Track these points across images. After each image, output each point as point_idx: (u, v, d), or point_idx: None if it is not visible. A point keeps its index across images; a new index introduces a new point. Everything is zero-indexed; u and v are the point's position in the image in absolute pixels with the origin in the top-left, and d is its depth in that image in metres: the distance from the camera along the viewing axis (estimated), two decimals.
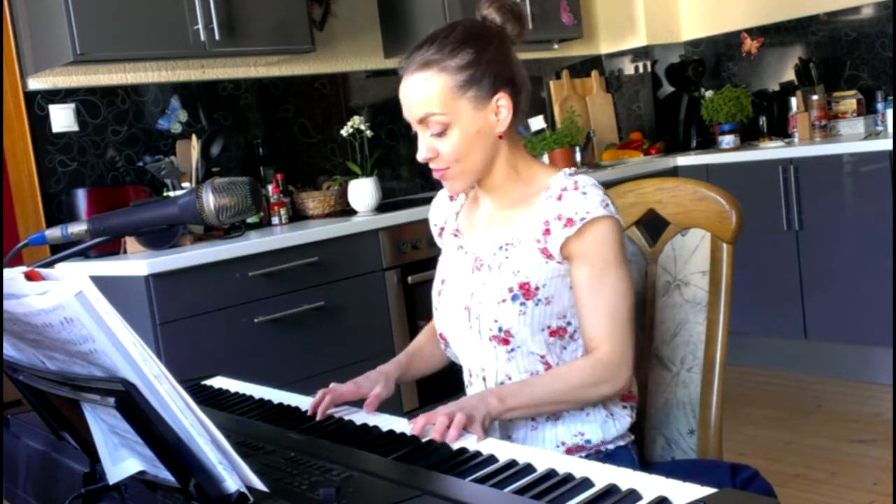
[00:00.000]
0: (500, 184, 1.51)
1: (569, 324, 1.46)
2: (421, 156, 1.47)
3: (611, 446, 1.49)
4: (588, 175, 1.48)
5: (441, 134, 1.43)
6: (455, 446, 1.18)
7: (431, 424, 1.25)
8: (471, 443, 1.19)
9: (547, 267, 1.43)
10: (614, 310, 1.41)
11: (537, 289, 1.43)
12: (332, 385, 1.47)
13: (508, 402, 1.35)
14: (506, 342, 1.45)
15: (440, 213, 1.69)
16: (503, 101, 1.44)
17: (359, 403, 1.47)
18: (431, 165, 1.47)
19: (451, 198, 1.66)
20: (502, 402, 1.35)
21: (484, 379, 1.51)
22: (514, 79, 1.46)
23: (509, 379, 1.48)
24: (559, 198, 1.43)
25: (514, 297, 1.43)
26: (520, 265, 1.45)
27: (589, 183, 1.44)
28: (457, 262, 1.56)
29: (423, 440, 1.22)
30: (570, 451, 1.47)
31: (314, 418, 1.40)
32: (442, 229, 1.68)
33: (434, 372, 1.69)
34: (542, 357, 1.46)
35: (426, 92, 1.42)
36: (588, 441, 1.47)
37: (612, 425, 1.48)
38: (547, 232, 1.43)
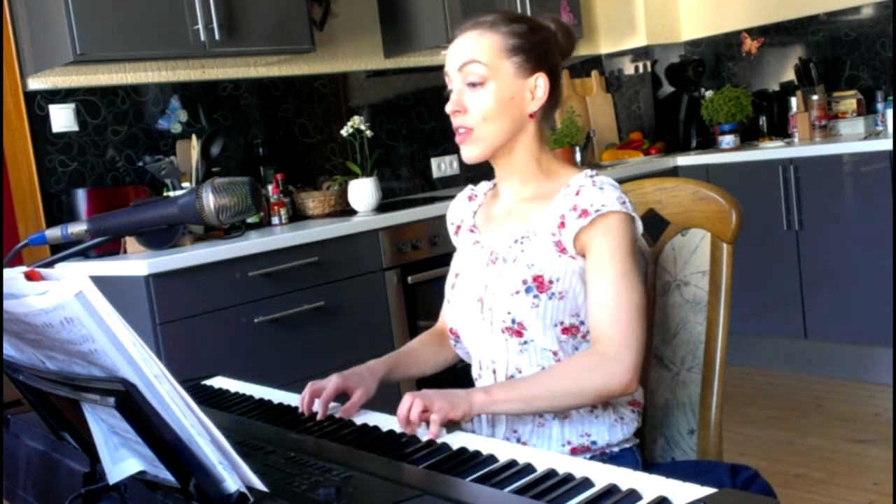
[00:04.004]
0: (521, 171, 1.52)
1: (582, 323, 1.44)
2: (450, 107, 1.49)
3: (616, 448, 1.48)
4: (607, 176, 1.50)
5: (477, 86, 1.46)
6: (455, 446, 1.18)
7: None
8: (471, 442, 1.19)
9: (560, 261, 1.43)
10: (620, 304, 1.38)
11: (551, 282, 1.42)
12: (312, 383, 1.44)
13: (495, 394, 1.34)
14: (519, 334, 1.44)
15: (458, 212, 1.68)
16: (542, 82, 1.48)
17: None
18: (455, 122, 1.49)
19: (471, 198, 1.67)
20: (488, 394, 1.33)
21: (494, 371, 1.50)
22: (555, 71, 1.51)
23: (520, 373, 1.47)
24: (577, 193, 1.44)
25: (528, 290, 1.43)
26: (534, 258, 1.45)
27: (607, 182, 1.46)
28: (472, 256, 1.57)
29: (425, 440, 1.23)
30: (574, 451, 1.46)
31: (314, 418, 1.40)
32: (458, 227, 1.67)
33: (424, 375, 1.66)
34: (555, 354, 1.44)
35: (476, 43, 1.47)
36: (594, 443, 1.46)
37: (619, 429, 1.47)
38: (562, 225, 1.43)
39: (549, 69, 1.49)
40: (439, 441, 1.21)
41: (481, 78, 1.45)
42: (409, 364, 1.63)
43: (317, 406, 1.42)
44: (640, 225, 1.47)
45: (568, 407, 1.42)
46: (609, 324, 1.38)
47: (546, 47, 1.50)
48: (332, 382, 1.45)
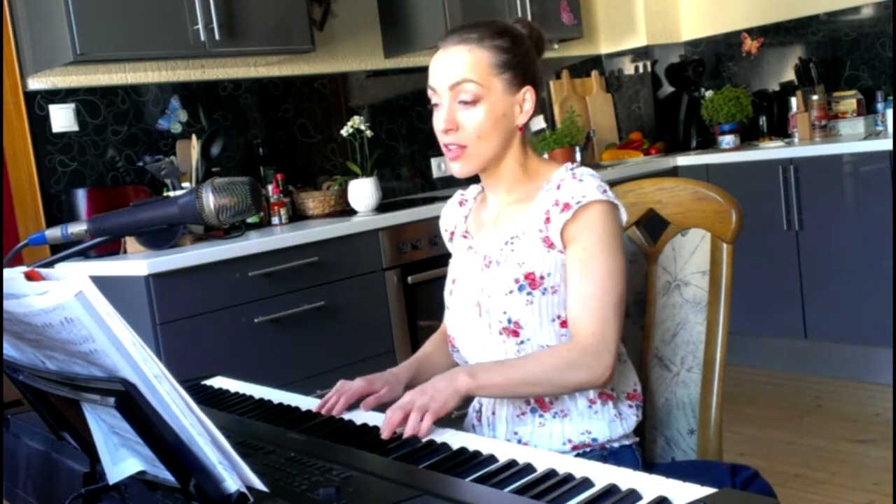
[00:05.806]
0: (508, 181, 1.54)
1: None
2: (440, 126, 1.48)
3: (616, 444, 1.49)
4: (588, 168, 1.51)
5: (470, 104, 1.46)
6: (455, 446, 1.18)
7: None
8: (471, 442, 1.19)
9: (549, 256, 1.45)
10: (600, 295, 1.41)
11: (542, 278, 1.44)
12: (341, 382, 1.47)
13: (480, 378, 1.36)
14: (515, 334, 1.46)
15: (450, 218, 1.70)
16: (529, 96, 1.50)
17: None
18: (447, 140, 1.49)
19: (461, 203, 1.68)
20: (473, 377, 1.35)
21: None
22: (537, 81, 1.53)
23: None
24: (558, 188, 1.47)
25: (521, 288, 1.45)
26: (524, 257, 1.47)
27: (587, 172, 1.48)
28: (467, 262, 1.58)
29: (424, 440, 1.23)
30: (576, 448, 1.47)
31: (314, 418, 1.40)
32: (452, 234, 1.68)
33: None
34: None
35: (467, 61, 1.47)
36: (595, 440, 1.48)
37: (619, 424, 1.49)
38: (547, 220, 1.45)
39: (533, 78, 1.52)
40: (439, 441, 1.21)
41: (474, 96, 1.46)
42: (428, 370, 1.65)
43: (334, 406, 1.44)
44: (623, 213, 1.48)
45: (545, 395, 1.46)
46: (592, 320, 1.40)
47: (529, 59, 1.52)
48: (357, 384, 1.47)
